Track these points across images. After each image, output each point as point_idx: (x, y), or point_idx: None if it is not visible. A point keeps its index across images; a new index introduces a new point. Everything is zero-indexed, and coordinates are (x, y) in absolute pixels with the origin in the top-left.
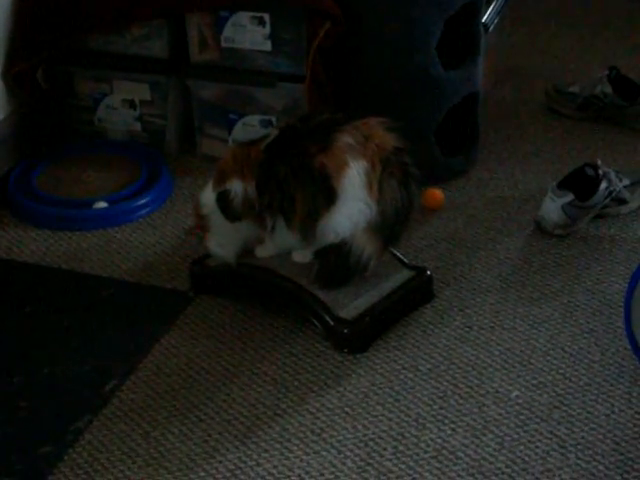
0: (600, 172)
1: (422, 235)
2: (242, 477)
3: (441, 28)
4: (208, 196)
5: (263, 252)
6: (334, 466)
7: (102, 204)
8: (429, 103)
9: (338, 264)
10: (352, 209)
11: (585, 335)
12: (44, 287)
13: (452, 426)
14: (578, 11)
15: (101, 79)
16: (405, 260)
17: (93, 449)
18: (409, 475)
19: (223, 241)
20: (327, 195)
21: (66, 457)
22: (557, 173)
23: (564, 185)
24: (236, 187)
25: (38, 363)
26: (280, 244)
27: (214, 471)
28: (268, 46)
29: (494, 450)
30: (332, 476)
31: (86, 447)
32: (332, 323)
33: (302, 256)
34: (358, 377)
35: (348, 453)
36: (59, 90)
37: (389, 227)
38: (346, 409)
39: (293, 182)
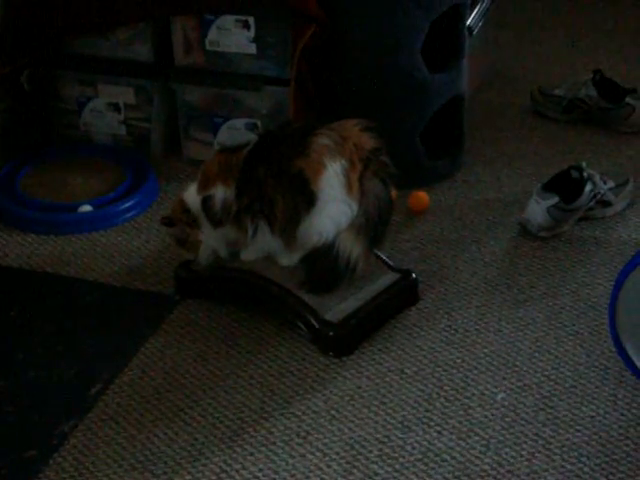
0: (585, 175)
1: (407, 238)
2: None
3: (426, 31)
4: (193, 199)
5: (248, 256)
6: (320, 469)
7: (87, 208)
8: (414, 106)
9: (326, 268)
10: (332, 210)
11: (570, 337)
12: (29, 291)
13: (438, 428)
14: (563, 14)
15: (86, 83)
16: (390, 263)
17: (78, 453)
18: (395, 478)
19: (206, 246)
20: (306, 199)
21: (51, 461)
22: (542, 176)
23: (549, 187)
24: (220, 193)
25: (23, 367)
26: (263, 249)
27: (200, 474)
28: (253, 49)
29: (480, 452)
30: (318, 479)
31: (71, 451)
32: (318, 326)
33: (288, 259)
34: (344, 380)
35: (334, 456)
36: (44, 93)
37: (373, 227)
38: (332, 412)
39: (272, 187)
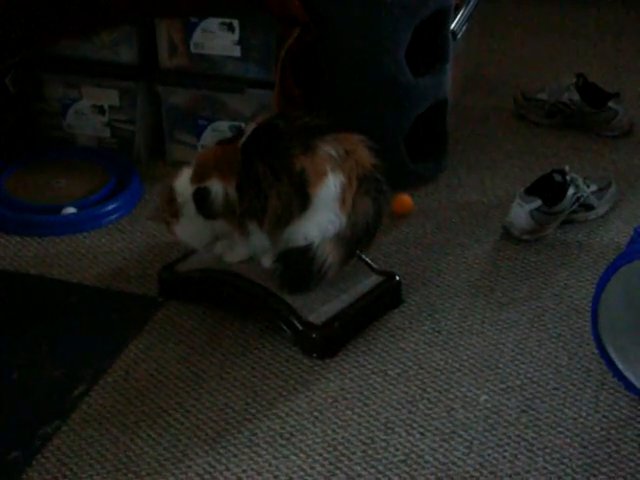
0: (568, 178)
1: (391, 240)
2: None
3: (410, 35)
4: (184, 186)
5: (233, 257)
6: (303, 470)
7: (71, 210)
8: (398, 110)
9: (301, 268)
10: (322, 218)
11: (553, 340)
12: (12, 292)
13: (421, 430)
14: (546, 19)
15: (70, 85)
16: (374, 265)
17: (62, 454)
18: (378, 479)
19: (193, 231)
20: (301, 200)
21: (34, 462)
22: (525, 179)
23: (532, 191)
24: (217, 188)
25: (6, 368)
26: (253, 248)
27: (183, 476)
28: (237, 52)
29: (462, 454)
30: None
31: (55, 452)
32: (301, 328)
33: (268, 260)
34: (327, 382)
35: (317, 457)
36: (28, 95)
37: (356, 241)
38: (315, 413)
39: (270, 180)
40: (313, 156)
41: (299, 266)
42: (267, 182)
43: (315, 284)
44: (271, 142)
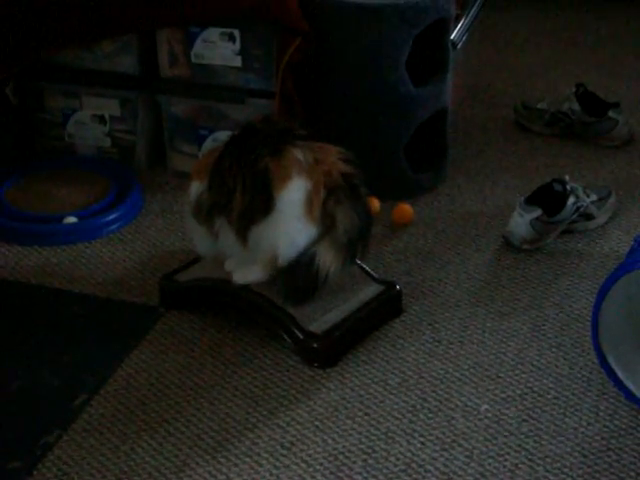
0: (568, 188)
1: (391, 250)
2: None
3: (410, 45)
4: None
5: (231, 265)
6: None
7: (72, 219)
8: (398, 119)
9: (305, 282)
10: (289, 226)
11: (553, 349)
12: (13, 302)
13: (421, 440)
14: (546, 29)
15: (71, 94)
16: (374, 275)
17: (62, 464)
18: None
19: (190, 232)
20: (264, 199)
21: (35, 472)
22: (525, 189)
23: (532, 200)
24: (194, 187)
25: (7, 378)
26: (224, 248)
27: None
28: (238, 62)
29: (463, 463)
30: None
31: (55, 462)
32: (302, 337)
33: (231, 264)
34: (328, 391)
35: (318, 467)
36: (29, 105)
37: (353, 247)
38: (316, 423)
39: (235, 176)
40: (280, 159)
41: (303, 280)
42: (232, 178)
43: (317, 294)
44: (244, 141)
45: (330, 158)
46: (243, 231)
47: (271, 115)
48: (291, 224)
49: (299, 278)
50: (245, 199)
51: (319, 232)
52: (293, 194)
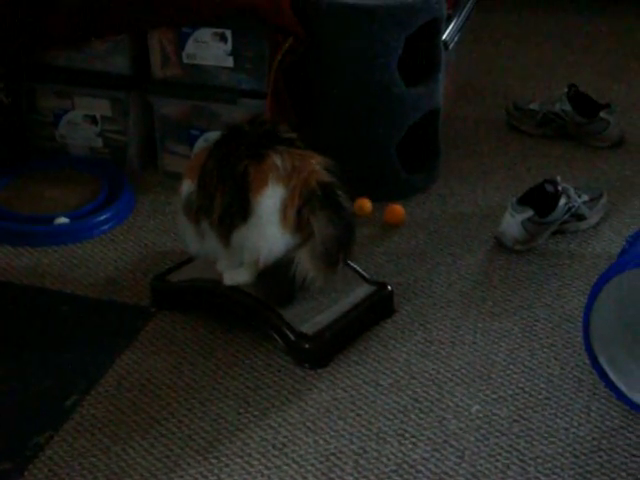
0: (559, 188)
1: (383, 250)
2: None
3: (402, 45)
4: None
5: (222, 266)
6: None
7: (63, 220)
8: (390, 120)
9: (282, 285)
10: (267, 231)
11: (545, 349)
12: (4, 302)
13: (413, 440)
14: (538, 29)
15: (63, 95)
16: (366, 275)
17: (54, 465)
18: None
19: (179, 228)
20: (243, 204)
21: (26, 473)
22: (517, 189)
23: (524, 201)
24: (185, 186)
25: None
26: (209, 249)
27: None
28: (230, 62)
29: (454, 464)
30: None
31: (46, 463)
32: (293, 338)
33: (221, 265)
34: (319, 392)
35: (309, 468)
36: (20, 105)
37: (334, 255)
38: (307, 424)
39: (217, 179)
40: (260, 164)
41: (280, 285)
42: (214, 180)
43: (297, 296)
44: (228, 143)
45: (310, 166)
46: (225, 233)
47: (260, 116)
48: (268, 230)
49: (277, 283)
50: (224, 202)
51: (298, 239)
52: (269, 200)
